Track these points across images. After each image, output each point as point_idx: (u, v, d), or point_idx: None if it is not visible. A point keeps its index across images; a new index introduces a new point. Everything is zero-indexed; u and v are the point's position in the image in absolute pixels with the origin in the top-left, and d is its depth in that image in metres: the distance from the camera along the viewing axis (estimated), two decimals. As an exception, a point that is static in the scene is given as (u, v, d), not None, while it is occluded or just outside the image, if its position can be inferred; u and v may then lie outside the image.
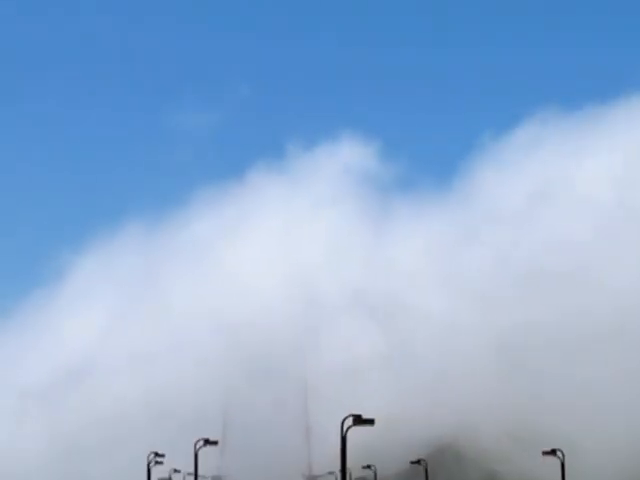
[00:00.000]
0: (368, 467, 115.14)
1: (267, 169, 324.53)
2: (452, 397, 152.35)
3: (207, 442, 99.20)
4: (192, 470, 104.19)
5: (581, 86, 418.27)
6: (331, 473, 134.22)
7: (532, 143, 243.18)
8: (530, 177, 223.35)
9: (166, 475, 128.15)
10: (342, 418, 61.30)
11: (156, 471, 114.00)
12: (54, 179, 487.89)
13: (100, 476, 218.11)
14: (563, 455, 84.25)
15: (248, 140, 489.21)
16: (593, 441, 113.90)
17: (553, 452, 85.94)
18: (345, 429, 61.25)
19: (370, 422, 61.93)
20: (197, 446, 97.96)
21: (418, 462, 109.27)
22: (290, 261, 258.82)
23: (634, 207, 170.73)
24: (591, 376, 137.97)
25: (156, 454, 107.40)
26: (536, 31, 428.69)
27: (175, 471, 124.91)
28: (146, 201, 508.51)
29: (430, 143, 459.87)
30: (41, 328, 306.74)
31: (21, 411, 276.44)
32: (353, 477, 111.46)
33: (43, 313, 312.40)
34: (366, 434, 64.37)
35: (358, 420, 61.13)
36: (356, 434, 61.98)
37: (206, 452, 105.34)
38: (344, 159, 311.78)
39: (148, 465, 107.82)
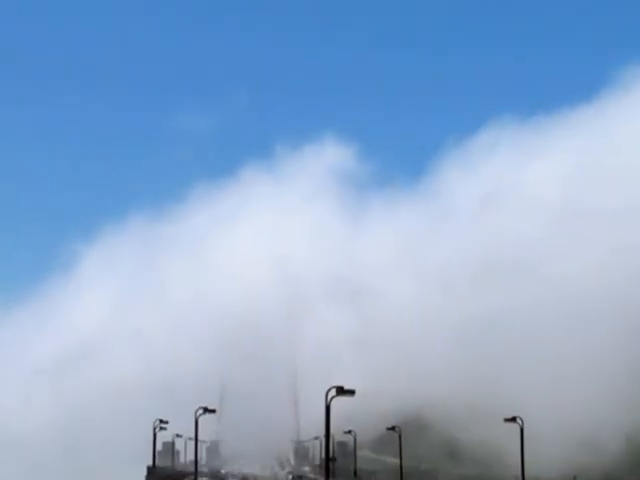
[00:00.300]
0: (349, 432, 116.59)
1: (258, 168, 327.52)
2: (419, 374, 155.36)
3: (206, 410, 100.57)
4: (193, 435, 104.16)
5: (535, 96, 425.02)
6: (316, 438, 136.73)
7: (490, 147, 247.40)
8: (487, 177, 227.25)
9: (170, 440, 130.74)
10: (326, 390, 64.82)
11: (161, 436, 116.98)
12: (66, 177, 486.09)
13: (109, 442, 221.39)
14: (522, 422, 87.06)
15: (241, 141, 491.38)
16: (545, 411, 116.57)
17: (513, 419, 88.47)
18: (329, 399, 64.44)
19: (351, 392, 65.05)
20: (197, 414, 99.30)
21: (393, 429, 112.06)
22: (277, 251, 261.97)
23: (579, 206, 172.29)
24: (542, 354, 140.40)
25: (161, 421, 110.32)
26: (498, 46, 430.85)
27: (177, 436, 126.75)
28: (148, 196, 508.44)
29: (402, 146, 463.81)
30: (53, 310, 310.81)
31: (35, 383, 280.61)
32: (336, 441, 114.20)
33: (55, 297, 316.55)
34: (347, 404, 67.40)
35: (340, 391, 64.29)
36: (338, 404, 65.42)
37: (205, 420, 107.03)
38: (326, 159, 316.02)
39: (154, 431, 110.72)
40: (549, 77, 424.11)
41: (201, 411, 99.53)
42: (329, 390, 63.82)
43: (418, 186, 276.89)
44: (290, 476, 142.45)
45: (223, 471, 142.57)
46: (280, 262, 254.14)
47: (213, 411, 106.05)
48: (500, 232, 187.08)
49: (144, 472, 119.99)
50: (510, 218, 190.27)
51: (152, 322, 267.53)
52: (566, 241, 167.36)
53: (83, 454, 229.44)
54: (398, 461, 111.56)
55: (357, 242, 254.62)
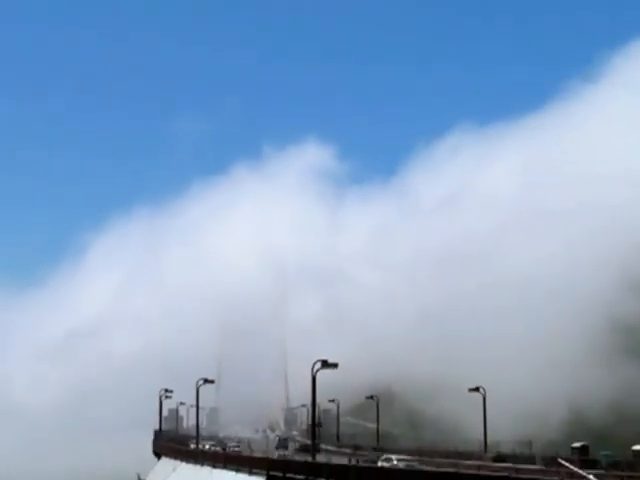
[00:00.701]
0: (332, 401, 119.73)
1: (248, 167, 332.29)
2: (388, 351, 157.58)
3: (206, 381, 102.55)
4: (194, 403, 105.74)
5: (493, 105, 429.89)
6: (303, 406, 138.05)
7: (453, 150, 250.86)
8: (449, 178, 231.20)
9: (174, 406, 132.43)
10: (312, 363, 67.30)
11: (166, 404, 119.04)
12: (78, 173, 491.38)
13: (120, 409, 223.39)
14: (485, 391, 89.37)
15: (233, 143, 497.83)
16: (502, 384, 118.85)
17: (477, 389, 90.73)
18: (315, 371, 67.06)
19: (334, 366, 67.30)
20: (198, 384, 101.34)
21: (371, 397, 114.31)
22: (264, 240, 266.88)
23: (530, 205, 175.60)
24: (495, 333, 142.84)
25: (166, 390, 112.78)
26: (463, 60, 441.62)
27: (181, 404, 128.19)
28: (151, 191, 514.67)
29: (376, 148, 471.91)
30: (66, 292, 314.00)
31: (50, 357, 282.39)
32: (321, 408, 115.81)
33: (68, 281, 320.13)
34: (330, 377, 69.80)
35: (325, 364, 66.83)
36: (323, 376, 67.95)
37: (205, 389, 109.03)
38: (308, 159, 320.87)
39: (160, 399, 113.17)
40: (506, 87, 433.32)
41: (202, 382, 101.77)
42: (315, 363, 66.47)
43: (389, 184, 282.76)
44: (277, 438, 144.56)
45: (221, 435, 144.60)
46: (267, 250, 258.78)
47: (212, 382, 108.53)
48: (459, 227, 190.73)
49: (152, 435, 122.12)
50: (468, 215, 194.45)
51: (154, 303, 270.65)
52: (516, 236, 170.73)
53: (97, 420, 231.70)
54: (375, 426, 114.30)
55: (335, 233, 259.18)
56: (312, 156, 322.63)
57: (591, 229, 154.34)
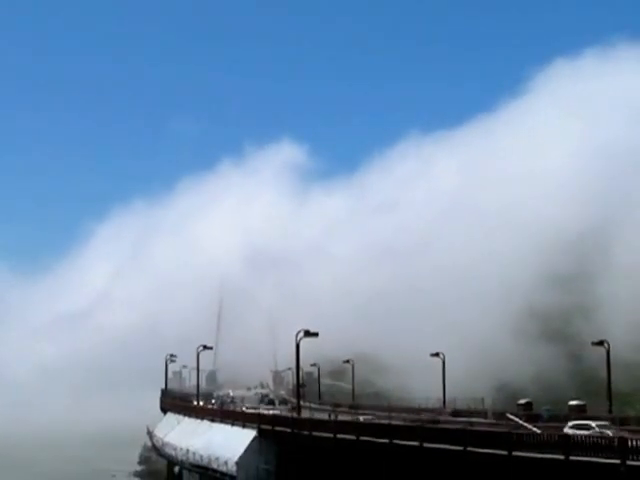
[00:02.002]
0: (314, 365, 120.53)
1: (231, 163, 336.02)
2: (351, 325, 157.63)
3: (205, 347, 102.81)
4: (195, 366, 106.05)
5: (436, 113, 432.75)
6: (289, 369, 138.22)
7: (402, 155, 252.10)
8: (399, 179, 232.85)
9: (178, 369, 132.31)
10: (296, 332, 67.38)
11: (171, 367, 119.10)
12: (82, 168, 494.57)
13: (130, 371, 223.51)
14: (444, 356, 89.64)
15: (218, 142, 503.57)
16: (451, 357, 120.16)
17: (437, 354, 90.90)
18: (298, 339, 67.22)
19: (315, 335, 67.60)
20: (198, 350, 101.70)
21: (347, 361, 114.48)
22: (243, 228, 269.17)
23: (464, 203, 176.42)
24: (435, 310, 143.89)
25: (171, 355, 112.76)
26: (408, 69, 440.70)
27: (184, 367, 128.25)
28: (147, 185, 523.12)
29: (342, 148, 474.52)
30: (73, 274, 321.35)
31: (63, 328, 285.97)
32: (304, 371, 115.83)
33: (74, 265, 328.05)
34: (310, 344, 69.93)
35: (307, 333, 66.99)
36: (305, 344, 68.05)
37: (205, 354, 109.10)
38: (284, 156, 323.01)
39: (166, 362, 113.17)
40: (447, 101, 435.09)
41: (201, 348, 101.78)
42: (298, 332, 66.53)
43: (350, 180, 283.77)
44: (260, 395, 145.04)
45: (215, 394, 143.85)
46: (245, 236, 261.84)
47: (210, 348, 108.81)
48: (404, 221, 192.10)
49: (158, 394, 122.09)
50: (412, 211, 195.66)
51: (151, 283, 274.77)
52: (452, 230, 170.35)
53: (112, 381, 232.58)
54: (351, 387, 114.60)
55: (301, 221, 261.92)
56: (287, 154, 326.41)
57: (516, 225, 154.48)
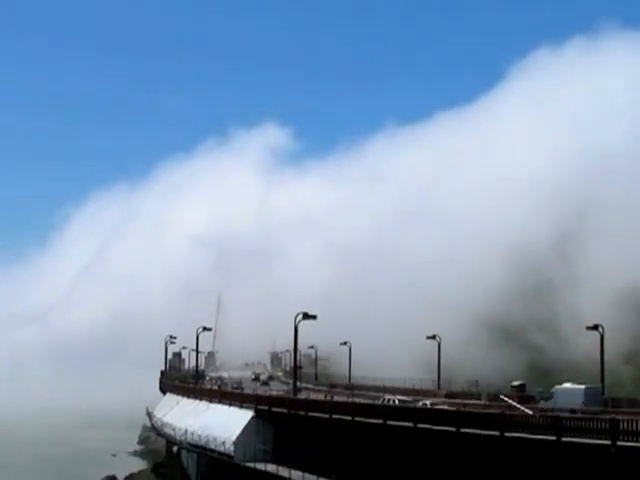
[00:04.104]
0: (311, 347, 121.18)
1: (216, 144, 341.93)
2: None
3: (205, 329, 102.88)
4: (195, 347, 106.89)
5: (414, 104, 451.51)
6: (287, 351, 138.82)
7: (374, 147, 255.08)
8: (366, 166, 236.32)
9: (178, 350, 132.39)
10: (294, 315, 67.05)
11: (170, 348, 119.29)
12: (60, 153, 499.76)
13: (128, 352, 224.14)
14: (440, 339, 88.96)
15: (203, 123, 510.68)
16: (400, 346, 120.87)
17: (433, 337, 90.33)
18: (297, 321, 67.06)
19: (313, 317, 67.32)
20: (198, 331, 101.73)
21: (345, 343, 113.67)
22: (223, 210, 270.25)
23: (422, 204, 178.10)
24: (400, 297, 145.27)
25: (171, 337, 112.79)
26: (393, 59, 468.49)
27: (183, 348, 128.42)
28: (128, 168, 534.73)
29: (323, 132, 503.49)
30: (56, 254, 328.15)
31: (50, 308, 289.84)
32: (302, 353, 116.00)
33: (58, 244, 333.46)
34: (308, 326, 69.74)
35: (306, 316, 66.76)
36: (303, 326, 67.79)
37: (204, 336, 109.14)
38: (268, 138, 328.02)
39: (166, 344, 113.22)
40: (425, 94, 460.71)
41: (201, 329, 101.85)
42: (297, 315, 66.33)
43: (325, 165, 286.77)
44: (253, 375, 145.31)
45: (208, 376, 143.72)
46: (224, 218, 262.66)
47: (210, 329, 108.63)
48: (363, 221, 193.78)
49: (158, 374, 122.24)
50: (371, 211, 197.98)
51: (140, 264, 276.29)
52: (420, 224, 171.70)
53: (112, 363, 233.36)
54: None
55: (277, 200, 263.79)
56: (271, 136, 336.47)
57: (481, 231, 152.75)
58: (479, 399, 68.02)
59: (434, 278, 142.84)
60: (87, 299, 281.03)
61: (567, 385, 58.63)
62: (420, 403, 57.53)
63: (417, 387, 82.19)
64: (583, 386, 56.64)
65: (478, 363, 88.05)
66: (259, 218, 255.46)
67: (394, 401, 61.35)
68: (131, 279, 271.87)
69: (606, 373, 67.80)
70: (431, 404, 55.32)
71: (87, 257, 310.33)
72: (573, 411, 48.98)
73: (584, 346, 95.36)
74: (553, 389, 59.96)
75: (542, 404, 57.19)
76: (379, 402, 61.35)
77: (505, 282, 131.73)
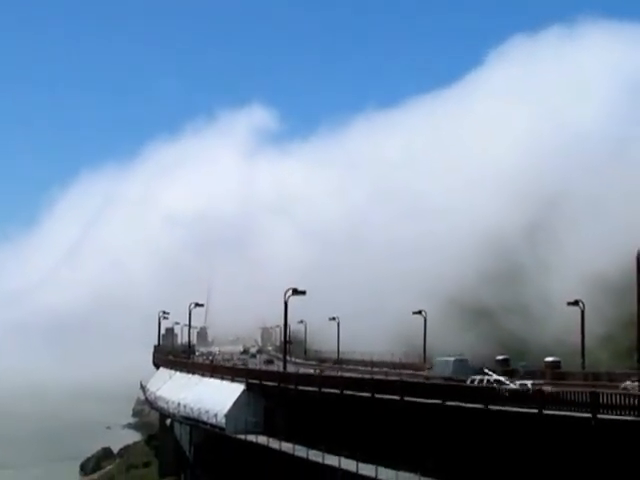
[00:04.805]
0: (301, 322, 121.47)
1: (204, 125, 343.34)
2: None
3: (197, 305, 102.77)
4: (187, 322, 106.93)
5: (393, 89, 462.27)
6: (277, 326, 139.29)
7: (350, 128, 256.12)
8: (345, 150, 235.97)
9: (170, 326, 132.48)
10: (284, 290, 67.10)
11: (163, 324, 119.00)
12: (46, 133, 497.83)
13: (119, 327, 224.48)
14: (426, 314, 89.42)
15: (192, 104, 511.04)
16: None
17: (419, 312, 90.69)
18: (287, 296, 67.17)
19: (303, 293, 67.48)
20: (190, 307, 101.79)
21: (334, 319, 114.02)
22: (208, 190, 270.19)
23: (397, 188, 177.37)
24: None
25: (164, 312, 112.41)
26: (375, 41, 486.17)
27: (176, 323, 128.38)
28: (117, 148, 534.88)
29: (308, 114, 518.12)
30: (44, 233, 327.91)
31: (41, 284, 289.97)
32: (291, 328, 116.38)
33: (46, 224, 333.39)
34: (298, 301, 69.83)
35: (295, 291, 66.91)
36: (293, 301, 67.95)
37: (196, 312, 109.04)
38: (255, 120, 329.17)
39: (159, 319, 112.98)
40: (402, 79, 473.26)
41: (193, 305, 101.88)
42: (287, 290, 66.45)
43: (308, 146, 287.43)
44: (242, 349, 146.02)
45: (198, 350, 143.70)
46: (209, 199, 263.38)
47: (202, 305, 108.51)
48: (341, 204, 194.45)
49: (152, 349, 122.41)
50: (350, 193, 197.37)
51: (123, 241, 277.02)
52: (386, 212, 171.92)
53: (106, 338, 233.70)
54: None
55: (260, 181, 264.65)
56: (257, 118, 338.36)
57: (453, 219, 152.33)
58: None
59: (408, 261, 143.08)
60: (74, 278, 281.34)
61: (441, 358, 66.60)
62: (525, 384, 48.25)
63: (403, 361, 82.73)
64: (452, 358, 64.04)
65: (452, 343, 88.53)
66: (243, 198, 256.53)
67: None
68: (118, 258, 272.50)
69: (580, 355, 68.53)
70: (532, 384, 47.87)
71: (74, 236, 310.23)
72: (445, 379, 56.54)
73: (554, 329, 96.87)
74: (433, 360, 69.17)
75: (426, 372, 67.04)
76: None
77: (477, 267, 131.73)
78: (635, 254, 46.39)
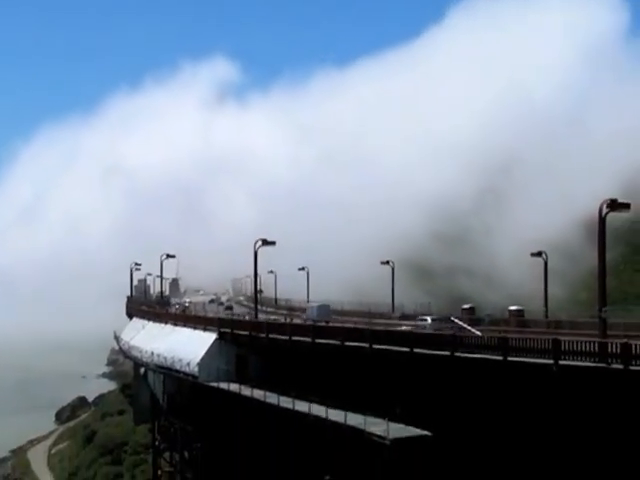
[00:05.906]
0: (271, 272, 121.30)
1: (165, 78, 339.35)
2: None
3: (168, 256, 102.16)
4: (159, 274, 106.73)
5: (353, 46, 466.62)
6: (248, 276, 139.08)
7: (306, 84, 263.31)
8: (304, 106, 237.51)
9: (143, 277, 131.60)
10: (254, 241, 67.10)
11: (136, 275, 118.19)
12: (8, 84, 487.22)
13: (93, 279, 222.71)
14: (394, 264, 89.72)
15: (155, 55, 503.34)
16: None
17: (387, 262, 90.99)
18: (257, 247, 67.05)
19: (272, 243, 67.48)
20: (162, 258, 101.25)
21: (303, 269, 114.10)
22: (171, 143, 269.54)
23: (350, 148, 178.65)
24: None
25: (136, 263, 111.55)
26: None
27: (148, 274, 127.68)
28: (79, 100, 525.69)
29: (267, 66, 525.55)
30: (4, 188, 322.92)
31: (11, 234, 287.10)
32: (263, 279, 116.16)
33: (6, 178, 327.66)
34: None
35: (265, 242, 66.84)
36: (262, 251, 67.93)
37: (168, 263, 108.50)
38: (217, 72, 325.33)
39: (131, 270, 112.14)
40: (366, 36, 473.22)
41: (165, 256, 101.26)
42: (257, 241, 66.25)
43: (265, 99, 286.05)
44: (214, 296, 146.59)
45: (173, 301, 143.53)
46: (170, 154, 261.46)
47: (173, 256, 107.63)
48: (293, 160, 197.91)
49: (125, 300, 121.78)
50: (303, 151, 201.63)
51: (84, 197, 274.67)
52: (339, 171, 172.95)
53: (80, 290, 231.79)
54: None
55: (221, 134, 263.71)
56: (220, 70, 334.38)
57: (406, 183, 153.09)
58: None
59: (356, 219, 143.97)
60: (37, 233, 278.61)
61: (311, 303, 78.22)
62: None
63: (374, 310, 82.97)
64: (316, 304, 74.27)
65: (402, 298, 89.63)
66: (205, 153, 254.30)
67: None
68: (81, 213, 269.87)
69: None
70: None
71: (37, 191, 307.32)
72: (313, 321, 64.63)
73: (500, 289, 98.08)
74: (305, 306, 78.63)
75: (304, 315, 74.51)
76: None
77: (427, 230, 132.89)
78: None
